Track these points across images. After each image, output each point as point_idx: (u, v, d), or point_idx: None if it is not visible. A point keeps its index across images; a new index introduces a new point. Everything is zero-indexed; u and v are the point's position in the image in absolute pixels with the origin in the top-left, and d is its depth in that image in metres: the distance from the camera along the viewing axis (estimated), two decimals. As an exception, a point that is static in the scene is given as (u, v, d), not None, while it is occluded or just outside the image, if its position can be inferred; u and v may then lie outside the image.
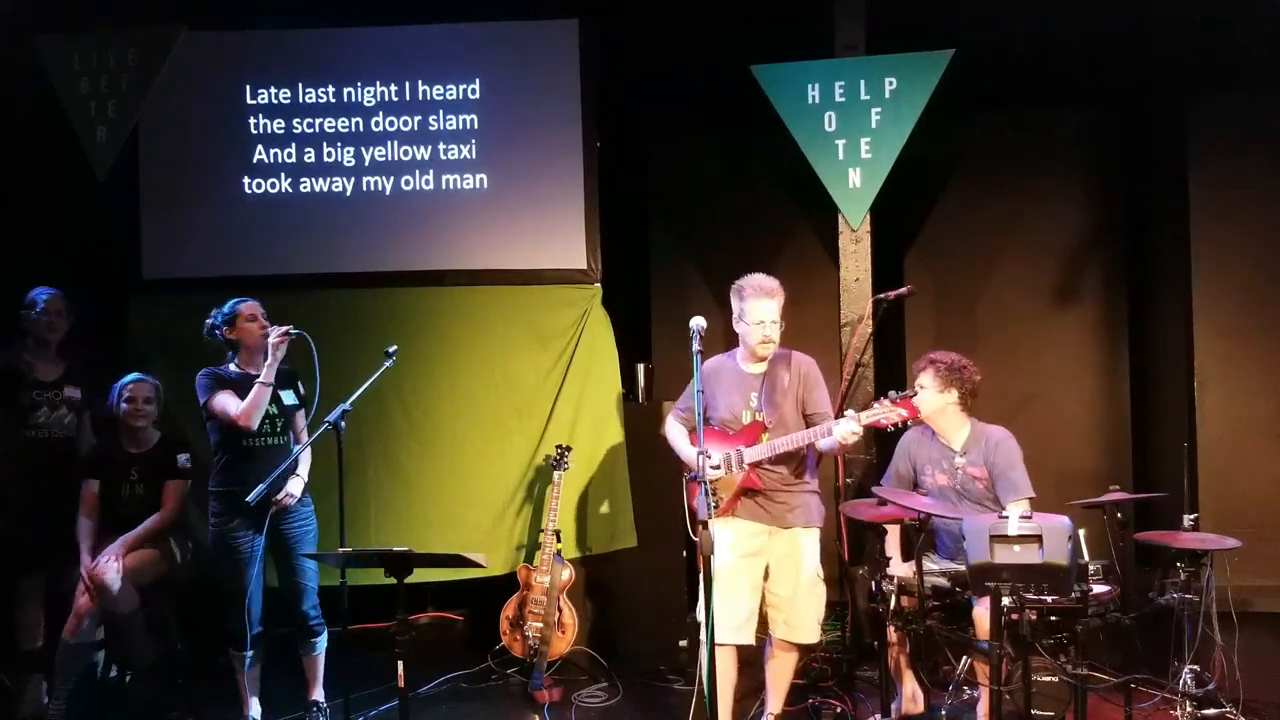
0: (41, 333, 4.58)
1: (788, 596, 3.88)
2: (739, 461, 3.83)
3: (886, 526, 3.95)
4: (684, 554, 5.01)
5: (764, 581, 3.91)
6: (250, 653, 4.15)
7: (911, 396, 3.77)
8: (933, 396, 4.12)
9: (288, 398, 4.19)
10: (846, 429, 3.67)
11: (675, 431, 4.10)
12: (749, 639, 3.89)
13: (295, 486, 4.13)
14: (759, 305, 3.84)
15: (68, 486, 4.40)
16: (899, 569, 4.03)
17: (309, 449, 4.16)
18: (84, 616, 4.13)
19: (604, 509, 5.10)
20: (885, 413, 3.71)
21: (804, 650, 4.03)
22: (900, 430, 4.00)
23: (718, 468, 3.84)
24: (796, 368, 3.94)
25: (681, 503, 4.06)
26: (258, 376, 4.08)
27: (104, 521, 4.33)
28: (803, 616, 3.89)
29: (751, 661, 4.14)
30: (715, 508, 3.84)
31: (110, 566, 4.11)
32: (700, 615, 3.84)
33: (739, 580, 3.83)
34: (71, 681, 4.17)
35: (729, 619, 3.73)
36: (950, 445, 4.15)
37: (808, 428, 3.85)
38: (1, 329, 4.75)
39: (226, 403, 4.03)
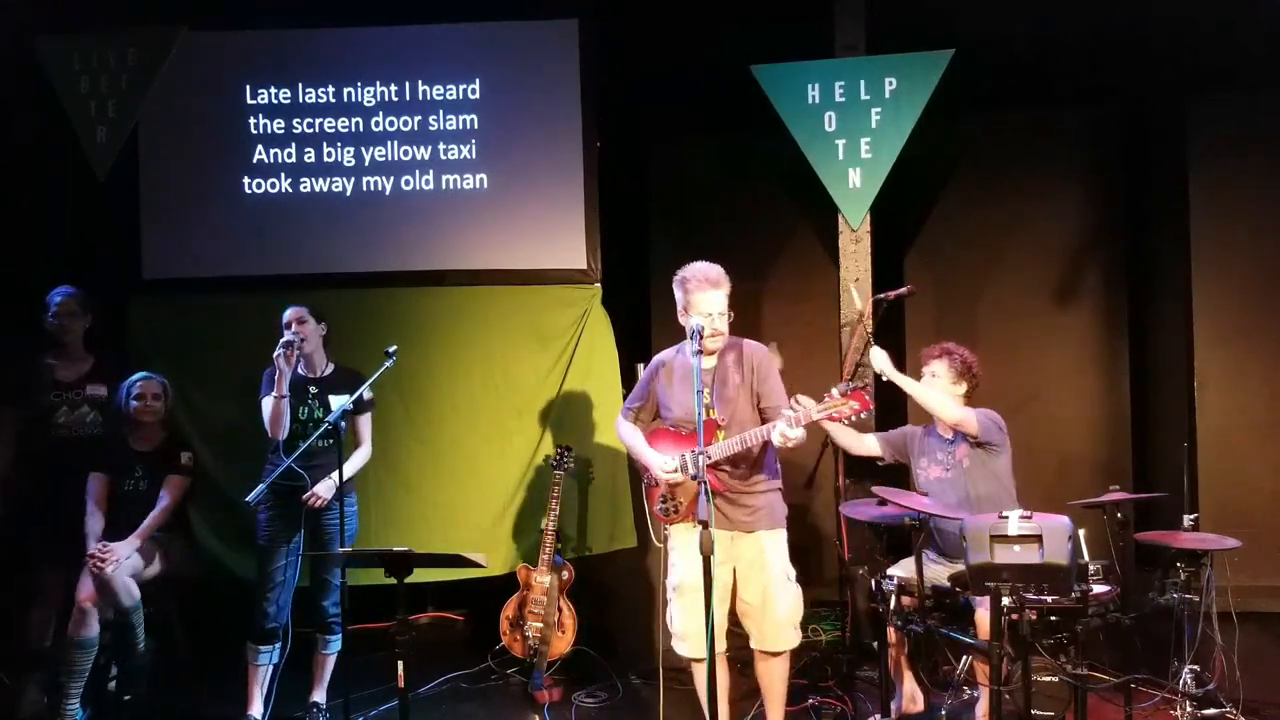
0: (55, 334, 4.61)
1: (757, 605, 3.70)
2: (696, 463, 3.47)
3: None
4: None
5: (734, 586, 3.75)
6: (264, 649, 4.16)
7: (863, 388, 3.66)
8: (945, 386, 4.10)
9: (340, 403, 4.16)
10: (780, 433, 3.51)
11: (629, 432, 3.91)
12: (721, 648, 3.72)
13: (324, 488, 4.14)
14: (704, 297, 3.65)
15: None
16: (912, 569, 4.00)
17: (360, 449, 4.34)
18: (88, 611, 4.12)
19: (604, 509, 5.10)
20: (836, 406, 3.55)
21: (788, 655, 3.81)
22: (854, 423, 3.83)
23: (676, 471, 3.68)
24: (749, 359, 3.75)
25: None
26: (313, 378, 4.23)
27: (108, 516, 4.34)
28: (775, 625, 3.70)
29: (751, 661, 4.13)
30: (676, 512, 3.75)
31: (111, 559, 4.07)
32: (671, 624, 3.81)
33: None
34: (81, 680, 4.16)
35: (699, 629, 3.38)
36: (945, 435, 4.17)
37: (763, 422, 3.66)
38: (1, 329, 4.76)
39: (263, 409, 4.15)
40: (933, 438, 4.22)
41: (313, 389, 4.25)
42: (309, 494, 4.11)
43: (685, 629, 3.73)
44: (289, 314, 4.26)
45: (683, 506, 3.72)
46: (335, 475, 4.06)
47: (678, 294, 3.76)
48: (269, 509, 4.17)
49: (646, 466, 3.84)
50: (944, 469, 4.13)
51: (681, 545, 3.75)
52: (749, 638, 3.82)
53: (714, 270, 3.72)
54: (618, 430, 4.02)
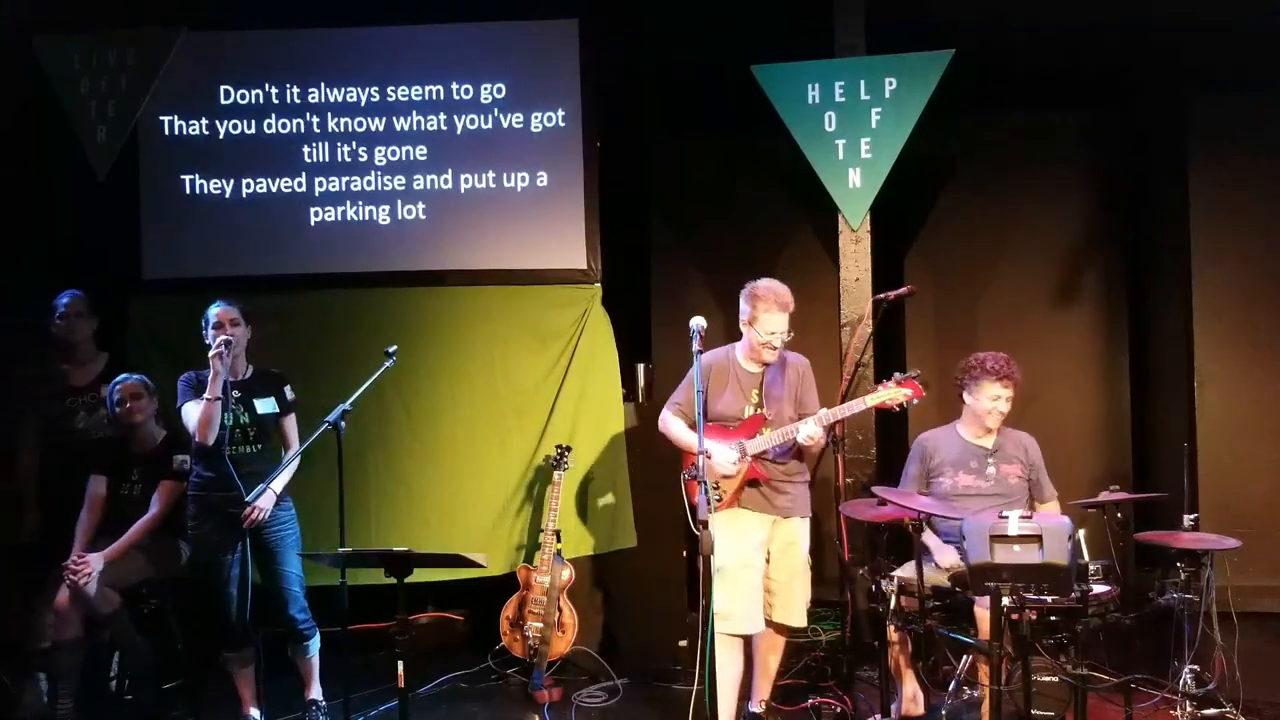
0: (63, 336, 4.62)
1: (785, 583, 4.03)
2: (741, 454, 3.93)
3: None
4: (684, 554, 5.02)
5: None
6: (236, 653, 4.16)
7: (916, 377, 3.88)
8: (1007, 406, 4.18)
9: (264, 406, 4.14)
10: (805, 435, 3.87)
11: (674, 425, 4.11)
12: (761, 626, 3.99)
13: (265, 501, 4.05)
14: (774, 319, 3.93)
15: None
16: (945, 558, 4.02)
17: (298, 458, 4.16)
18: (63, 615, 4.11)
19: (604, 509, 5.10)
20: (890, 394, 3.88)
21: (792, 633, 4.17)
22: (903, 411, 4.09)
23: (735, 463, 3.91)
24: (795, 367, 4.11)
25: (681, 501, 4.02)
26: (234, 382, 4.11)
27: (103, 519, 4.32)
28: (797, 601, 4.05)
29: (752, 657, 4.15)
30: (719, 500, 3.93)
31: (84, 571, 4.05)
32: (715, 604, 3.87)
33: (751, 570, 3.92)
34: (73, 679, 4.15)
35: (744, 608, 3.88)
36: (983, 445, 4.22)
37: None
38: (1, 329, 4.76)
39: (189, 414, 4.04)
40: (960, 444, 4.24)
41: (236, 392, 4.13)
42: (249, 509, 3.99)
43: (728, 609, 3.85)
44: (219, 312, 4.10)
45: (726, 495, 3.97)
46: (277, 486, 4.08)
47: (746, 306, 3.99)
48: (205, 521, 4.09)
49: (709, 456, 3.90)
50: (977, 477, 4.16)
51: (721, 530, 3.83)
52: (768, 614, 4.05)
53: (787, 295, 3.98)
54: (663, 424, 4.13)
